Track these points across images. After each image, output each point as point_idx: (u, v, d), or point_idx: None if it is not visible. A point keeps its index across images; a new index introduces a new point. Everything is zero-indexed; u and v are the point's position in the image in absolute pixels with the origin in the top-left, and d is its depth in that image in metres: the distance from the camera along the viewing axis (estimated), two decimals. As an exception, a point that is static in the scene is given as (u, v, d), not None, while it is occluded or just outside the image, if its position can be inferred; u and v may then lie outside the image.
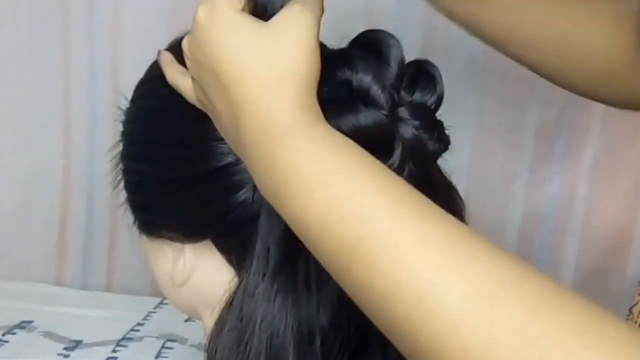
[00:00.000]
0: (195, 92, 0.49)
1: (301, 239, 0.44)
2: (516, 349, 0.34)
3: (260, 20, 0.46)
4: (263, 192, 0.45)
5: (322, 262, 0.43)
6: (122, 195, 0.59)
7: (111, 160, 0.60)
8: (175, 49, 0.56)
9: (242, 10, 0.46)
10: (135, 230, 0.60)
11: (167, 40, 0.58)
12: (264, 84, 0.44)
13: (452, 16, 0.65)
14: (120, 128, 0.59)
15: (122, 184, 0.59)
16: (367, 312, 0.41)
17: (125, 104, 0.59)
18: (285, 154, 0.43)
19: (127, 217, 0.59)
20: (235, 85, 0.44)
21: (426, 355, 0.37)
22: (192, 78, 0.49)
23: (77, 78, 1.18)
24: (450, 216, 0.40)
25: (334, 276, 0.42)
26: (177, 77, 0.51)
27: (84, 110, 1.19)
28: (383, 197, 0.40)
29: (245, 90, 0.44)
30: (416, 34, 1.11)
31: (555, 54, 0.66)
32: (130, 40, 1.16)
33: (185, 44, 0.48)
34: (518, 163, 1.19)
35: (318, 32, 0.46)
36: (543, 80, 0.71)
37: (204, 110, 0.50)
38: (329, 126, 0.44)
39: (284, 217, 0.44)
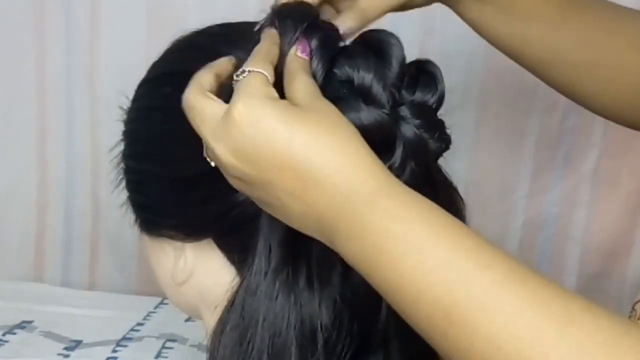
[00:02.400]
0: (236, 184, 0.47)
1: (391, 304, 0.43)
2: None
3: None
4: (346, 258, 0.44)
5: (415, 325, 0.42)
6: (124, 194, 0.59)
7: (112, 160, 0.60)
8: (172, 54, 0.57)
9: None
10: (136, 230, 0.60)
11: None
12: (339, 150, 0.43)
13: (497, 40, 0.66)
14: (122, 127, 0.59)
15: (123, 184, 0.60)
16: None
17: (127, 103, 0.59)
18: (377, 219, 0.42)
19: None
20: (303, 158, 0.43)
21: None
22: (233, 179, 0.47)
23: (53, 88, 1.16)
24: (542, 275, 0.40)
25: (429, 338, 0.42)
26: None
27: (61, 121, 1.18)
28: (477, 261, 0.40)
29: (318, 161, 0.43)
30: (413, 36, 1.10)
31: (592, 76, 0.66)
32: (108, 48, 1.12)
33: (221, 152, 0.45)
34: (519, 171, 1.18)
35: None
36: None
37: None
38: (405, 185, 0.44)
39: (372, 281, 0.43)
